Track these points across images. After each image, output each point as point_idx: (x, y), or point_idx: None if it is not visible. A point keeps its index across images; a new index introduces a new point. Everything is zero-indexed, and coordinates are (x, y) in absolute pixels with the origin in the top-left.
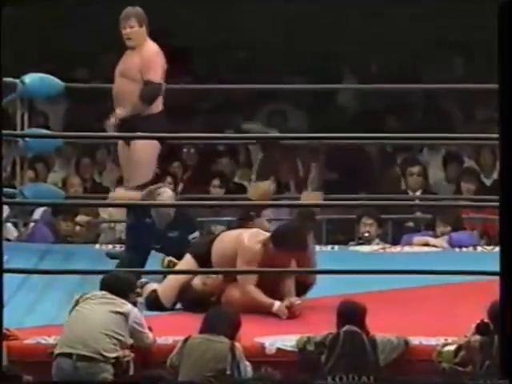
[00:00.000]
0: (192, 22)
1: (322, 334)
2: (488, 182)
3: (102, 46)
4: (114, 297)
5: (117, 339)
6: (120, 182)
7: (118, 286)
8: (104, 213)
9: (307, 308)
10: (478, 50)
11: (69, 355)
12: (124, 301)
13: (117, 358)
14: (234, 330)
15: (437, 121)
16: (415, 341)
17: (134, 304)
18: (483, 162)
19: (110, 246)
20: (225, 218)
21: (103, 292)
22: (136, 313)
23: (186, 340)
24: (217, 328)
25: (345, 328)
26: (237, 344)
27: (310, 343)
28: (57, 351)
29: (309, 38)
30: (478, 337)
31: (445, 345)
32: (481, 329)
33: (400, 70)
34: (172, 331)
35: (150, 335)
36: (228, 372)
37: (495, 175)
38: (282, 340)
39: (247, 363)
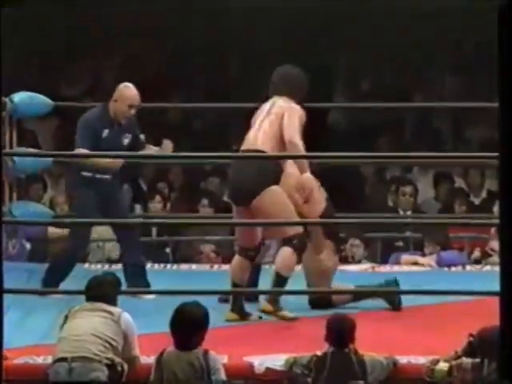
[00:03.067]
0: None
1: (308, 355)
2: (477, 201)
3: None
4: (102, 304)
5: (110, 343)
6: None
7: (103, 290)
8: (93, 232)
9: (297, 327)
10: (472, 69)
11: (64, 359)
12: (111, 307)
13: (112, 361)
14: (203, 330)
15: (427, 140)
16: (404, 359)
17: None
18: (472, 181)
19: (99, 266)
20: (214, 237)
21: (91, 302)
22: (127, 316)
23: (160, 354)
24: (187, 343)
25: (332, 349)
26: (210, 353)
27: (297, 365)
28: (53, 360)
29: (302, 55)
30: (469, 359)
31: (435, 362)
32: (470, 350)
33: (391, 87)
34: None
35: (136, 343)
36: (205, 379)
37: (484, 194)
38: (271, 359)
39: (221, 369)
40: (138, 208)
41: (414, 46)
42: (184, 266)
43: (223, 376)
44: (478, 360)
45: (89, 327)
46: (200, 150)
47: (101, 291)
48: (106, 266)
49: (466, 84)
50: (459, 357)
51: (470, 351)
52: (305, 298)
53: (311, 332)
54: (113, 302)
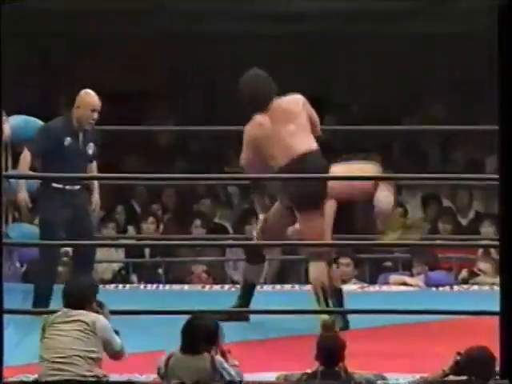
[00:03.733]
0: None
1: (298, 373)
2: (464, 222)
3: None
4: (77, 312)
5: (91, 358)
6: (103, 220)
7: (79, 295)
8: None
9: (288, 345)
10: (460, 92)
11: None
12: (86, 313)
13: (96, 376)
14: (212, 342)
15: (415, 161)
16: (392, 378)
17: (97, 312)
18: (459, 202)
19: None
20: (206, 258)
21: (65, 310)
22: (101, 320)
23: (168, 358)
24: (196, 348)
25: (321, 368)
26: (217, 358)
27: (289, 379)
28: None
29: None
30: (456, 378)
31: (424, 380)
32: (457, 369)
33: (380, 110)
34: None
35: (118, 340)
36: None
37: (471, 215)
38: (262, 377)
39: (229, 368)
40: (131, 229)
41: (403, 71)
42: (176, 287)
43: (233, 372)
44: (464, 378)
45: (68, 344)
46: (194, 172)
47: (77, 297)
48: (100, 287)
49: (453, 108)
50: (447, 375)
51: (457, 370)
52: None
53: (302, 350)
54: (89, 307)
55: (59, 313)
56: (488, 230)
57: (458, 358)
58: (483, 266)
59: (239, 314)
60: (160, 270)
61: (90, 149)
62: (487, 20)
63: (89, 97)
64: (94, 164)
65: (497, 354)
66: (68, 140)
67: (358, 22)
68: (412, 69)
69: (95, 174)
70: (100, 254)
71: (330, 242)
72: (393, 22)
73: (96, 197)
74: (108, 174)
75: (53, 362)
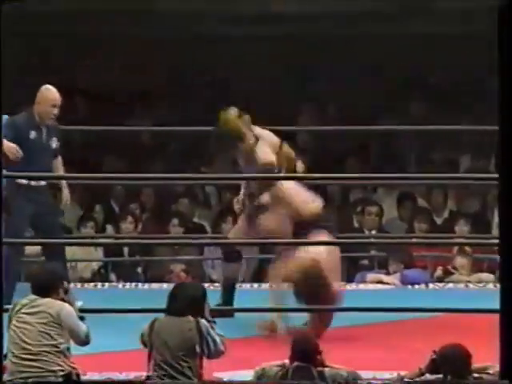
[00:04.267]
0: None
1: (274, 369)
2: (439, 221)
3: None
4: (43, 301)
5: (59, 351)
6: (82, 220)
7: (45, 282)
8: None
9: (266, 344)
10: (437, 92)
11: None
12: (52, 302)
13: (65, 370)
14: (198, 308)
15: (391, 162)
16: (369, 375)
17: (63, 300)
18: (434, 201)
19: (72, 285)
20: (184, 257)
21: (32, 297)
22: (66, 309)
23: (153, 322)
24: (181, 309)
25: (295, 364)
26: (202, 321)
27: (264, 377)
28: (7, 381)
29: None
30: (432, 376)
31: (400, 378)
32: (433, 367)
33: (357, 111)
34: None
35: (84, 327)
36: (197, 350)
37: (446, 214)
38: (240, 376)
39: (215, 336)
40: (109, 228)
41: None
42: (155, 286)
43: (218, 340)
44: (440, 376)
45: (34, 339)
46: (173, 172)
47: (43, 284)
48: (79, 285)
49: (431, 110)
50: (423, 374)
51: (433, 368)
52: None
53: (280, 349)
54: (55, 294)
55: (25, 300)
56: (463, 228)
57: (434, 356)
58: (460, 261)
59: (224, 311)
60: (139, 269)
61: (54, 143)
62: (466, 21)
63: (49, 93)
64: (60, 159)
65: (480, 351)
66: (33, 133)
67: (338, 24)
68: (388, 69)
69: (61, 169)
70: (79, 253)
71: (307, 240)
72: (371, 23)
73: (65, 192)
74: (86, 174)
75: (21, 358)
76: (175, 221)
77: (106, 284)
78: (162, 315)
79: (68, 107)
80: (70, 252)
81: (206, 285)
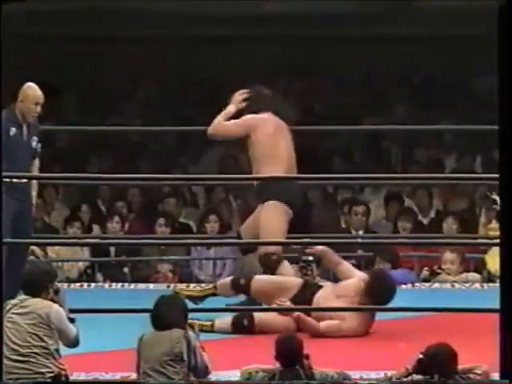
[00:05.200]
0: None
1: (261, 374)
2: (425, 221)
3: None
4: (32, 301)
5: (48, 353)
6: (68, 221)
7: (35, 282)
8: (52, 252)
9: (253, 344)
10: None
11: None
12: (41, 303)
13: (53, 371)
14: (185, 319)
15: (377, 162)
16: (356, 375)
17: (53, 300)
18: (419, 201)
19: (59, 285)
20: (172, 257)
21: (22, 298)
22: (55, 310)
23: (141, 337)
24: (169, 322)
25: (281, 368)
26: (190, 332)
27: (252, 379)
28: None
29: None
30: (419, 376)
31: (388, 379)
32: (420, 367)
33: (342, 111)
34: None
35: (73, 329)
36: (185, 358)
37: (432, 214)
38: (227, 376)
39: (203, 352)
40: (96, 228)
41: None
42: (141, 286)
43: (204, 358)
44: (427, 377)
45: (23, 341)
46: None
47: (33, 284)
48: (65, 286)
49: (415, 110)
50: (410, 374)
51: (419, 368)
52: None
53: (265, 349)
54: (45, 294)
55: (16, 300)
56: (451, 227)
57: (421, 356)
58: (449, 256)
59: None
60: (125, 269)
61: (34, 141)
62: (450, 22)
63: (32, 90)
64: (37, 162)
65: (467, 351)
66: (13, 130)
67: (323, 25)
68: (374, 69)
69: (36, 172)
70: (65, 253)
71: (297, 241)
72: (355, 24)
73: (34, 194)
74: (72, 174)
75: (10, 359)
76: (161, 220)
77: (93, 284)
78: (147, 315)
79: (54, 105)
80: (56, 252)
81: (193, 285)
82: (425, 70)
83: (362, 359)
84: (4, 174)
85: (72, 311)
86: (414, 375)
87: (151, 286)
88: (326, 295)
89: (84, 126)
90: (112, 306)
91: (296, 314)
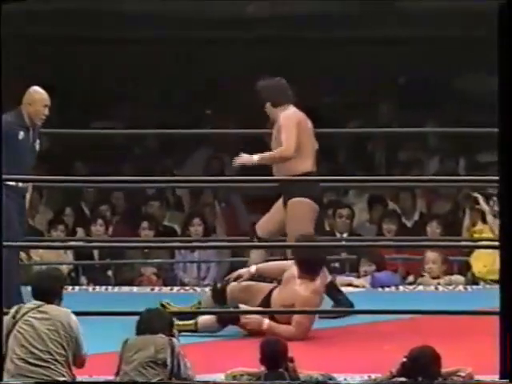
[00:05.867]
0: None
1: (245, 377)
2: (409, 224)
3: None
4: (50, 307)
5: (65, 361)
6: (52, 224)
7: (49, 286)
8: (36, 255)
9: (237, 347)
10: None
11: None
12: (59, 310)
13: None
14: (170, 328)
15: (362, 164)
16: (340, 377)
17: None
18: (403, 204)
19: None
20: (156, 260)
21: (36, 303)
22: (74, 319)
23: (125, 342)
24: (154, 328)
25: (266, 371)
26: (174, 340)
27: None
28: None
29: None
30: (403, 378)
31: (372, 381)
32: (404, 370)
33: (327, 112)
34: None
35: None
36: (168, 365)
37: (416, 217)
38: (212, 379)
39: (187, 360)
40: (80, 231)
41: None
42: (125, 289)
43: (188, 365)
44: (411, 380)
45: (44, 346)
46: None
47: (45, 287)
48: None
49: (399, 111)
50: (394, 376)
51: (403, 371)
52: None
53: (250, 352)
54: (58, 299)
55: (31, 305)
56: (435, 230)
57: (404, 359)
58: (431, 256)
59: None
60: (109, 272)
61: (37, 145)
62: (435, 24)
63: (40, 93)
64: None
65: (451, 353)
66: (21, 134)
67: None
68: (360, 71)
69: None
70: (49, 256)
71: (281, 244)
72: (339, 26)
73: (28, 197)
74: (56, 177)
75: (27, 362)
76: (145, 224)
77: (77, 287)
78: (131, 318)
79: None
80: (41, 255)
81: (177, 288)
82: (409, 72)
83: (347, 362)
84: (7, 176)
85: None
86: (398, 378)
87: (135, 289)
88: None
89: (67, 128)
90: (96, 309)
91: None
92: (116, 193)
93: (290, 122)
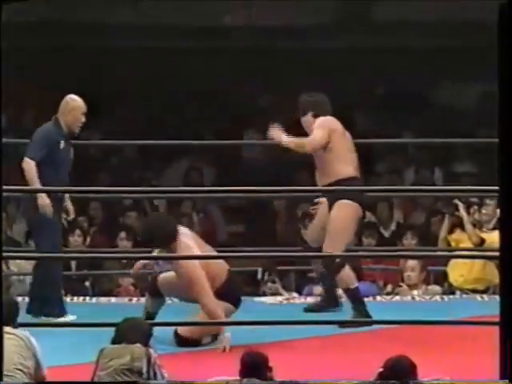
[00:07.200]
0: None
1: None
2: (387, 234)
3: None
4: (12, 330)
5: (26, 371)
6: (28, 234)
7: (7, 312)
8: (13, 265)
9: (216, 356)
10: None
11: None
12: (17, 331)
13: None
14: (147, 339)
15: None
16: None
17: None
18: (380, 214)
19: (20, 299)
20: (132, 271)
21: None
22: (33, 339)
23: (101, 350)
24: (131, 338)
25: (244, 381)
26: (151, 350)
27: None
28: None
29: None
30: None
31: None
32: (381, 379)
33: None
34: None
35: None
36: (144, 375)
37: (393, 227)
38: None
39: (163, 371)
40: None
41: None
42: (103, 300)
43: (165, 375)
44: None
45: (7, 357)
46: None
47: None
48: (27, 299)
49: (376, 122)
50: None
51: (381, 382)
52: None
53: (229, 363)
54: (14, 324)
55: None
56: (410, 242)
57: (381, 369)
58: (411, 263)
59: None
60: (87, 283)
61: (71, 153)
62: (412, 34)
63: (76, 102)
64: None
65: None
66: (62, 144)
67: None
68: (337, 81)
69: None
70: (27, 266)
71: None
72: (316, 36)
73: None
74: (31, 188)
75: None
76: (122, 234)
77: None
78: (108, 329)
79: (17, 118)
80: (18, 265)
81: None
82: (386, 82)
83: (325, 370)
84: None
85: (32, 325)
86: None
87: (113, 299)
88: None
89: None
90: (73, 320)
91: None
92: (93, 204)
93: (324, 123)
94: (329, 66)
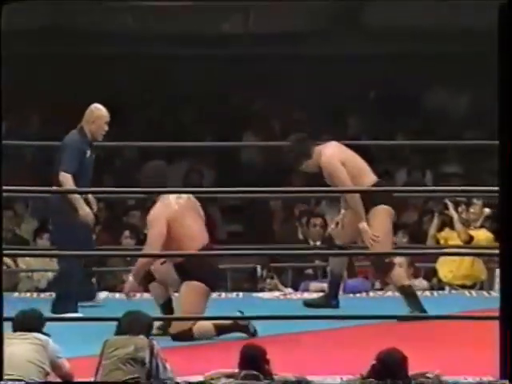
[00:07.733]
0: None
1: (223, 380)
2: None
3: None
4: (28, 333)
5: (41, 367)
6: (37, 232)
7: (30, 322)
8: (22, 262)
9: (215, 350)
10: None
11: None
12: (39, 335)
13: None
14: (149, 330)
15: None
16: (313, 379)
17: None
18: None
19: (28, 294)
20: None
21: (18, 333)
22: (52, 343)
23: (105, 341)
24: (134, 330)
25: (242, 373)
26: (154, 342)
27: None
28: None
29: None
30: (373, 380)
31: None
32: (374, 373)
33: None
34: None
35: (66, 363)
36: (147, 365)
37: None
38: (190, 380)
39: (166, 364)
40: None
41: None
42: (108, 295)
43: (169, 369)
44: (380, 382)
45: (23, 355)
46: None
47: (28, 323)
48: (35, 295)
49: (370, 125)
50: (364, 379)
51: (373, 374)
52: None
53: (229, 356)
54: (39, 332)
55: (10, 332)
56: (401, 239)
57: (374, 362)
58: (398, 259)
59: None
60: (93, 279)
61: (93, 160)
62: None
63: (101, 110)
64: None
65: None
66: (88, 152)
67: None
68: (331, 86)
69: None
70: (35, 263)
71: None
72: (309, 42)
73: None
74: (41, 188)
75: (8, 366)
76: (127, 233)
77: None
78: (112, 323)
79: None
80: (26, 262)
81: None
82: (380, 87)
83: (320, 364)
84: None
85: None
86: (368, 380)
87: (117, 295)
88: None
89: (50, 140)
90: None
91: None
92: (98, 203)
93: (331, 166)
94: (323, 70)
